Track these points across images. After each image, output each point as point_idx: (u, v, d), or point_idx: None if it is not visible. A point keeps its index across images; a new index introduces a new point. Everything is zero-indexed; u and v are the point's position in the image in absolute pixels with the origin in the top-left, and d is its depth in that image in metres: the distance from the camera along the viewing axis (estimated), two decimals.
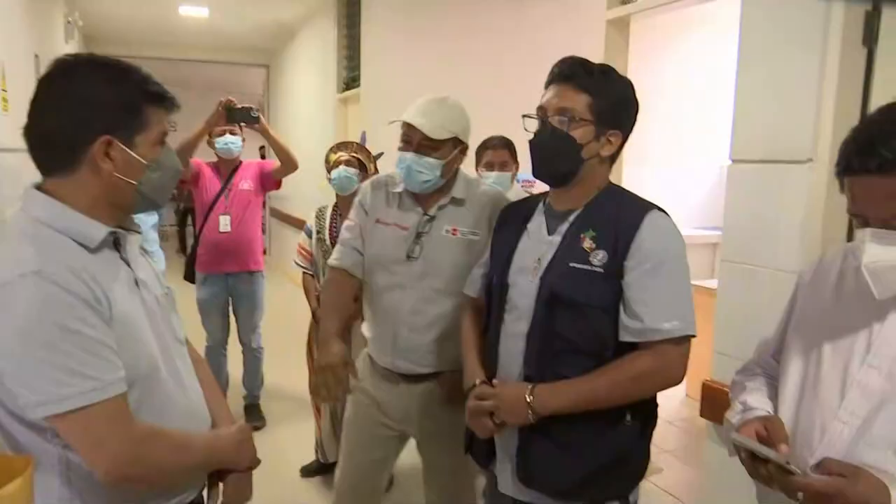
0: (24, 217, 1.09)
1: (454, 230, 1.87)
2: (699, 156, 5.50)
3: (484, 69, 4.73)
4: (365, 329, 2.04)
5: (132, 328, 1.11)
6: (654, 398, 1.44)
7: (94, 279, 1.05)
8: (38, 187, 1.11)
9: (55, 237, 1.06)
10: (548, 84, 1.42)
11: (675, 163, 5.80)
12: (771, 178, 1.97)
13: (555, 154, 1.41)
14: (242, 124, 3.53)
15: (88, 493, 1.09)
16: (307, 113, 7.54)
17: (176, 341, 1.25)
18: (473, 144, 3.16)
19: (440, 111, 1.85)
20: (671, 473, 3.41)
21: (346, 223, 2.01)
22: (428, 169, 1.82)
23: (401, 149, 1.86)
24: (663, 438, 3.72)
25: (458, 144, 1.87)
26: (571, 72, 1.39)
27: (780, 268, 1.93)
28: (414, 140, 1.82)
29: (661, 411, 1.47)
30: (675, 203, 6.02)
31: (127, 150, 1.11)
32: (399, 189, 1.92)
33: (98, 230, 1.10)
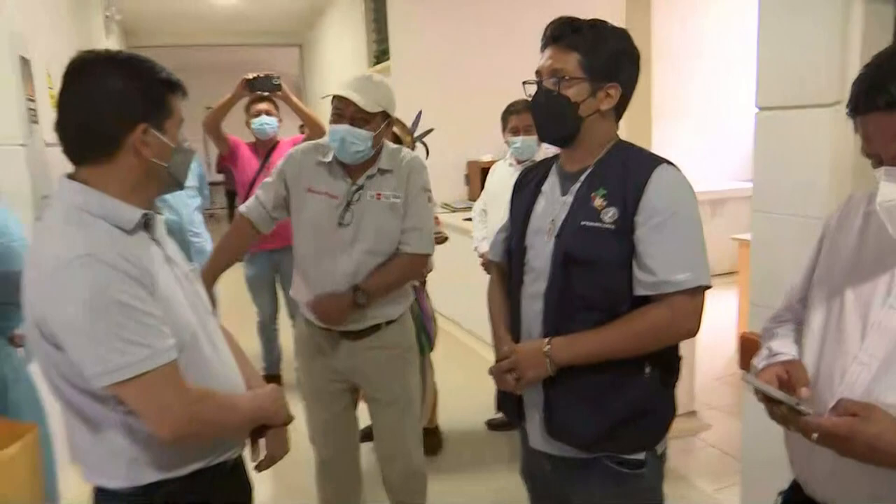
0: (62, 205, 1.17)
1: (378, 195, 2.04)
2: (738, 108, 5.36)
3: (508, 35, 4.71)
4: (297, 294, 2.21)
5: (172, 301, 1.20)
6: (676, 350, 1.46)
7: (136, 258, 1.13)
8: (71, 177, 1.19)
9: (96, 222, 1.14)
10: (542, 48, 1.43)
11: (713, 116, 5.68)
12: (798, 124, 1.94)
13: (551, 115, 1.43)
14: (265, 93, 3.58)
15: (150, 451, 1.19)
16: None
17: (207, 313, 1.34)
18: (501, 110, 3.19)
19: (370, 86, 1.99)
20: (720, 429, 3.41)
21: (264, 181, 2.17)
22: (361, 140, 1.96)
23: (333, 122, 1.99)
24: (712, 395, 3.71)
25: (386, 118, 2.02)
26: (560, 32, 1.40)
27: (811, 215, 1.90)
28: (347, 113, 1.96)
29: (710, 368, 1.48)
30: (714, 157, 5.94)
31: (159, 135, 1.19)
32: (328, 159, 2.05)
33: (133, 213, 1.18)
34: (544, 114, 1.45)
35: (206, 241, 4.04)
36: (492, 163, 3.89)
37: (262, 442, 1.40)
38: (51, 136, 3.22)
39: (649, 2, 2.89)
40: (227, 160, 3.88)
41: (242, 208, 2.19)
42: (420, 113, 3.50)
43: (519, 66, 3.79)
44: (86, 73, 1.17)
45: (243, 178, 3.85)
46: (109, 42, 6.56)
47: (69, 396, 1.16)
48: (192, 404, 1.17)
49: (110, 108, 1.15)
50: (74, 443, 1.23)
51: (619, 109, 1.44)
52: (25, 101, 2.95)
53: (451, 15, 5.35)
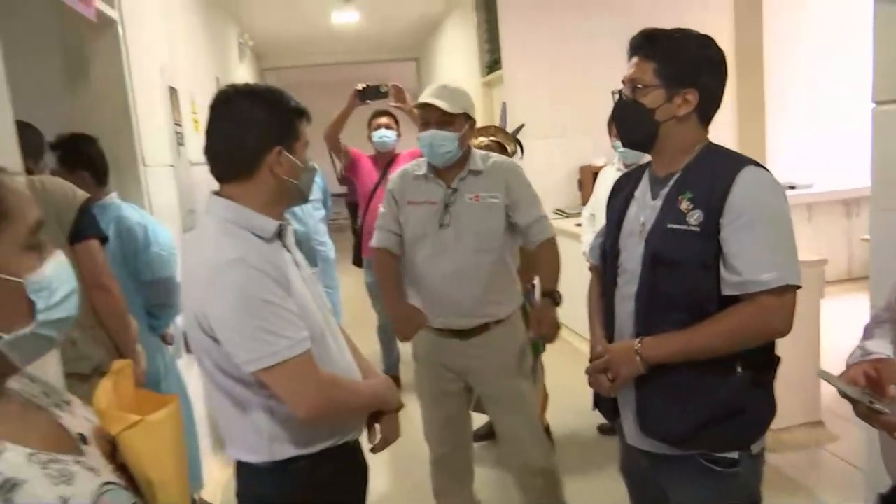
0: (214, 218, 1.38)
1: (476, 197, 2.18)
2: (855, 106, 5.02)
3: (619, 40, 4.70)
4: (413, 299, 2.31)
5: (303, 300, 1.38)
6: (771, 350, 1.45)
7: (275, 263, 1.32)
8: (217, 193, 1.39)
9: (242, 232, 1.35)
10: (628, 59, 1.49)
11: (845, 113, 5.34)
12: None
13: (628, 122, 1.52)
14: (371, 101, 3.80)
15: (289, 429, 1.37)
16: None
17: (328, 311, 1.51)
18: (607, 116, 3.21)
19: (449, 92, 2.17)
20: (848, 440, 3.23)
21: (380, 210, 2.33)
22: (447, 141, 2.13)
23: (420, 129, 2.16)
24: (841, 404, 3.50)
25: (468, 119, 2.17)
26: (638, 43, 1.48)
27: None
28: (432, 119, 2.13)
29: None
30: (851, 153, 5.56)
31: (290, 156, 1.36)
32: (422, 171, 2.23)
33: (270, 224, 1.38)
34: (622, 120, 1.54)
35: (329, 249, 4.33)
36: (603, 167, 3.90)
37: (377, 426, 1.57)
38: (194, 156, 3.60)
39: (760, 5, 2.82)
40: (349, 171, 4.14)
41: (374, 243, 2.37)
42: (504, 105, 3.58)
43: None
44: (230, 104, 1.37)
45: (364, 189, 4.10)
46: (243, 65, 7.13)
47: (221, 382, 1.36)
48: (324, 387, 1.34)
49: (250, 134, 1.34)
50: (223, 424, 1.44)
51: (704, 113, 1.46)
52: (174, 126, 3.32)
53: (561, 24, 5.39)
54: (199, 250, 1.37)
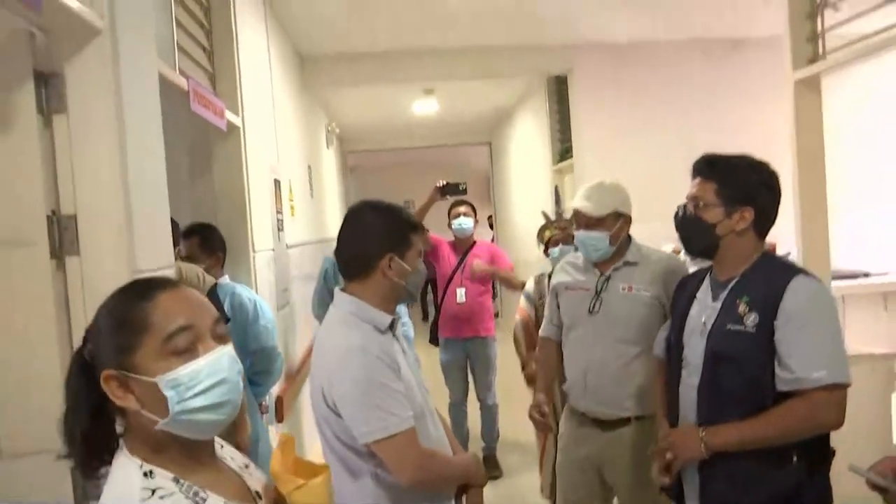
0: (340, 310, 1.66)
1: (629, 287, 2.24)
2: None
3: (686, 136, 4.95)
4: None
5: (409, 383, 1.63)
6: (826, 440, 1.59)
7: (389, 351, 1.58)
8: (343, 290, 1.67)
9: (362, 324, 1.62)
10: (692, 178, 1.72)
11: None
12: None
13: (692, 233, 1.72)
14: (451, 196, 4.12)
15: (391, 494, 1.59)
16: (526, 184, 8.12)
17: (426, 392, 1.73)
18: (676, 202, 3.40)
19: (599, 192, 2.28)
20: None
21: (548, 302, 2.50)
22: (597, 241, 2.25)
23: (575, 229, 2.33)
24: None
25: (620, 216, 2.26)
26: (700, 167, 1.72)
27: None
28: (582, 221, 2.26)
29: None
30: None
31: (401, 262, 1.63)
32: (581, 259, 2.37)
33: (385, 318, 1.65)
34: (686, 232, 1.75)
35: (409, 328, 4.60)
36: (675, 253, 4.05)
37: (464, 498, 1.76)
38: (290, 239, 3.99)
39: (820, 103, 3.00)
40: (429, 255, 4.45)
41: (541, 333, 2.58)
42: (556, 189, 3.77)
43: (690, 161, 4.01)
44: (358, 216, 1.68)
45: (443, 273, 4.38)
46: (329, 152, 7.68)
47: (337, 449, 1.60)
48: (424, 459, 1.56)
49: (370, 242, 1.63)
50: (336, 486, 1.67)
51: (759, 228, 1.66)
52: (275, 214, 3.70)
53: (630, 115, 5.68)
54: (330, 335, 1.64)
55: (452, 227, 4.35)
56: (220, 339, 0.98)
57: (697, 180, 1.71)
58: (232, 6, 3.07)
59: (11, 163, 1.57)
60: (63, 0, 1.46)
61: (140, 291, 0.97)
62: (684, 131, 5.39)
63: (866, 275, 5.16)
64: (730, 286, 1.66)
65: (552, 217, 3.95)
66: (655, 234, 5.52)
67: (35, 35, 1.57)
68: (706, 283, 1.74)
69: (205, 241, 2.76)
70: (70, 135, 1.63)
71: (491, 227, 10.96)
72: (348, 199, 10.49)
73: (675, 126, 5.54)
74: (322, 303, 3.87)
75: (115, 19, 1.66)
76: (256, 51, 3.62)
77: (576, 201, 2.30)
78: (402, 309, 4.54)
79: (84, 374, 0.94)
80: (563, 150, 6.53)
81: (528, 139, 7.85)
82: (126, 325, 0.93)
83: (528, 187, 8.02)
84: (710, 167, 1.68)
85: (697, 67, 5.65)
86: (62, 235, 1.63)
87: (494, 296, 5.49)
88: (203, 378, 0.92)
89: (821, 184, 3.00)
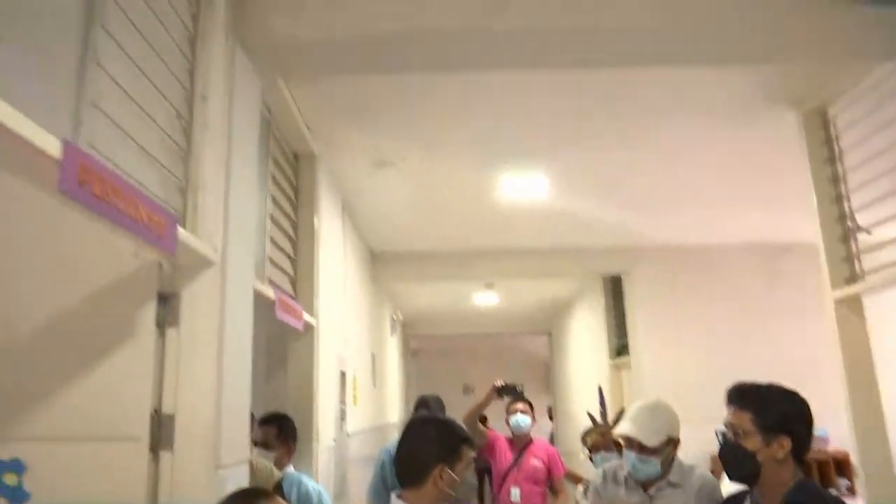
0: None
1: None
2: None
3: (736, 337, 5.07)
4: None
5: None
6: None
7: None
8: (399, 496, 1.82)
9: None
10: (726, 404, 1.85)
11: None
12: None
13: (734, 461, 1.80)
14: (507, 397, 4.24)
15: None
16: (585, 376, 8.16)
17: None
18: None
19: (651, 418, 2.36)
20: None
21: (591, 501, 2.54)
22: (648, 466, 2.32)
23: (625, 447, 2.38)
24: None
25: (670, 441, 2.34)
26: (732, 396, 1.84)
27: None
28: (633, 445, 2.34)
29: None
30: None
31: (451, 473, 1.79)
32: (625, 473, 2.42)
33: None
34: (727, 458, 1.83)
35: None
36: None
37: None
38: (351, 427, 4.17)
39: (863, 321, 3.09)
40: (485, 451, 4.49)
41: None
42: (601, 389, 3.84)
43: (742, 362, 4.08)
44: (415, 428, 1.88)
45: (499, 469, 4.40)
46: (393, 339, 8.01)
47: None
48: None
49: (425, 453, 1.80)
50: None
51: (797, 454, 1.76)
52: (339, 405, 3.91)
53: (685, 316, 5.83)
54: None
55: (510, 423, 4.43)
56: None
57: (732, 409, 1.83)
58: (316, 216, 3.52)
59: (127, 368, 1.86)
60: (189, 243, 1.83)
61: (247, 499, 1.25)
62: (739, 334, 5.51)
63: None
64: None
65: (598, 419, 4.01)
66: (707, 439, 5.46)
67: (163, 265, 1.94)
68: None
69: (281, 431, 2.96)
70: (179, 345, 1.94)
71: (550, 418, 10.80)
72: (410, 382, 10.66)
73: (730, 329, 5.67)
74: (377, 494, 3.93)
75: (226, 254, 2.02)
76: (334, 251, 4.06)
77: (627, 426, 2.38)
78: None
79: None
80: (620, 346, 6.65)
81: (587, 333, 8.01)
82: None
83: (586, 381, 8.06)
84: (743, 397, 1.82)
85: (752, 271, 5.87)
86: (161, 432, 1.87)
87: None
88: None
89: (874, 402, 3.00)
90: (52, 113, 1.35)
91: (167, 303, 1.96)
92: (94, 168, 1.30)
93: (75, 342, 1.86)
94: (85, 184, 1.25)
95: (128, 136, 1.65)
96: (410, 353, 11.23)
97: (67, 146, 1.22)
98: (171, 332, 1.95)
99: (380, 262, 6.04)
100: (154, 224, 1.55)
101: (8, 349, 1.85)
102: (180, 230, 1.74)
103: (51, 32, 1.40)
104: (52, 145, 1.19)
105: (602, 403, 4.03)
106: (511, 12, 2.15)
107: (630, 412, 2.43)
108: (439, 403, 4.13)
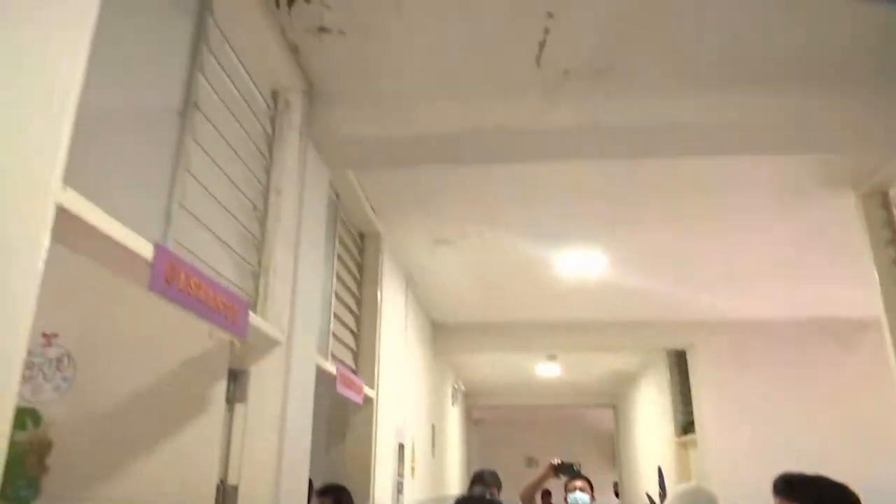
0: None
1: None
2: None
3: (805, 415, 4.89)
4: None
5: None
6: None
7: None
8: None
9: None
10: (773, 495, 1.85)
11: None
12: None
13: None
14: (564, 475, 4.20)
15: None
16: (650, 453, 7.92)
17: None
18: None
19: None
20: None
21: None
22: None
23: None
24: None
25: None
26: (779, 486, 1.85)
27: None
28: None
29: None
30: None
31: None
32: None
33: None
34: None
35: None
36: None
37: None
38: (408, 499, 4.24)
39: None
40: None
41: None
42: (660, 469, 3.76)
43: (814, 443, 3.94)
44: None
45: None
46: (454, 409, 8.02)
47: None
48: None
49: None
50: None
51: None
52: (396, 478, 3.97)
53: (752, 393, 5.66)
54: None
55: (568, 500, 4.38)
56: None
57: (779, 500, 1.83)
58: (379, 292, 3.69)
59: (197, 442, 2.01)
60: (259, 326, 1.99)
61: None
62: (808, 412, 5.30)
63: None
64: None
65: (656, 501, 3.94)
66: None
67: (234, 344, 2.11)
68: None
69: (337, 502, 3.05)
70: (246, 419, 2.08)
71: (616, 494, 10.45)
72: (472, 451, 10.55)
73: (798, 407, 5.47)
74: None
75: (292, 333, 2.18)
76: (395, 325, 4.20)
77: None
78: None
79: None
80: (686, 424, 6.47)
81: (652, 408, 7.83)
82: None
83: (651, 457, 7.82)
84: (790, 488, 1.82)
85: (820, 347, 5.68)
86: (225, 502, 2.00)
87: None
88: None
89: None
90: (146, 214, 1.55)
91: (237, 379, 2.12)
92: (180, 266, 1.48)
93: (153, 414, 2.03)
94: (171, 281, 1.43)
95: (209, 230, 1.85)
96: (472, 423, 11.16)
97: (158, 249, 1.41)
98: (238, 407, 2.10)
99: (442, 334, 6.15)
100: (228, 311, 1.73)
101: (95, 417, 2.04)
102: (251, 315, 1.91)
103: (151, 145, 1.62)
104: (144, 248, 1.38)
105: (661, 485, 3.95)
106: (560, 111, 2.30)
107: (670, 497, 2.47)
108: (495, 478, 4.14)
